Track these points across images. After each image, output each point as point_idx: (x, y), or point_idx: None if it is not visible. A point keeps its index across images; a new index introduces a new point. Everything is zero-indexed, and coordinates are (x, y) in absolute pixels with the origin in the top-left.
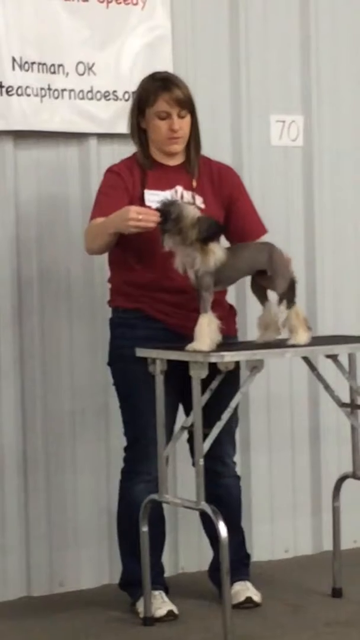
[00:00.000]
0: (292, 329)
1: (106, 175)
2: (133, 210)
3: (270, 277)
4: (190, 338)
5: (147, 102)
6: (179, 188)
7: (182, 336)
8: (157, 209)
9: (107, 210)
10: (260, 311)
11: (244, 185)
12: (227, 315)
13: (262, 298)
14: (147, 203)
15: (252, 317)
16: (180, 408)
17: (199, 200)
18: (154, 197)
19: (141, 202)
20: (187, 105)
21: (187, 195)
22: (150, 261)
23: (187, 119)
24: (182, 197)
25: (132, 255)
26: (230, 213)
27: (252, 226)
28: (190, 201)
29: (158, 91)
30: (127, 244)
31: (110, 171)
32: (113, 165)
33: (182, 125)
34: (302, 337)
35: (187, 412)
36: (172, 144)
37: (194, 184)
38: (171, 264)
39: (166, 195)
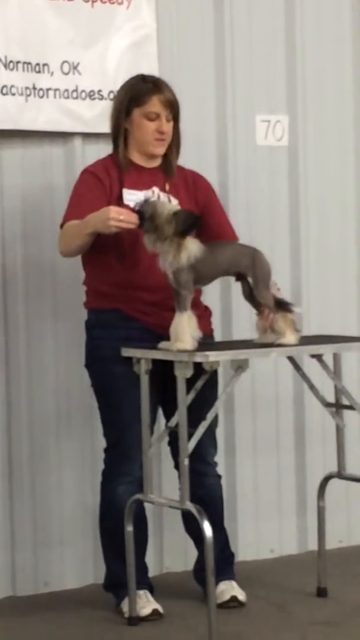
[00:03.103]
0: (280, 331)
1: (82, 176)
2: (113, 210)
3: (253, 283)
4: (168, 337)
5: (136, 102)
6: (155, 189)
7: (160, 336)
8: (133, 211)
9: (85, 211)
10: (254, 315)
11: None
12: (202, 315)
13: (257, 303)
14: (126, 202)
15: (237, 318)
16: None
17: (174, 202)
18: (132, 197)
19: (119, 201)
20: (175, 109)
21: (163, 197)
22: (129, 260)
23: (172, 124)
24: (158, 197)
25: (110, 254)
26: (204, 219)
27: (224, 233)
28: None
29: (150, 92)
30: (106, 244)
31: (87, 172)
32: (89, 165)
33: (169, 128)
34: (291, 337)
35: (167, 413)
36: (157, 145)
37: (167, 187)
38: (150, 262)
39: (144, 194)
